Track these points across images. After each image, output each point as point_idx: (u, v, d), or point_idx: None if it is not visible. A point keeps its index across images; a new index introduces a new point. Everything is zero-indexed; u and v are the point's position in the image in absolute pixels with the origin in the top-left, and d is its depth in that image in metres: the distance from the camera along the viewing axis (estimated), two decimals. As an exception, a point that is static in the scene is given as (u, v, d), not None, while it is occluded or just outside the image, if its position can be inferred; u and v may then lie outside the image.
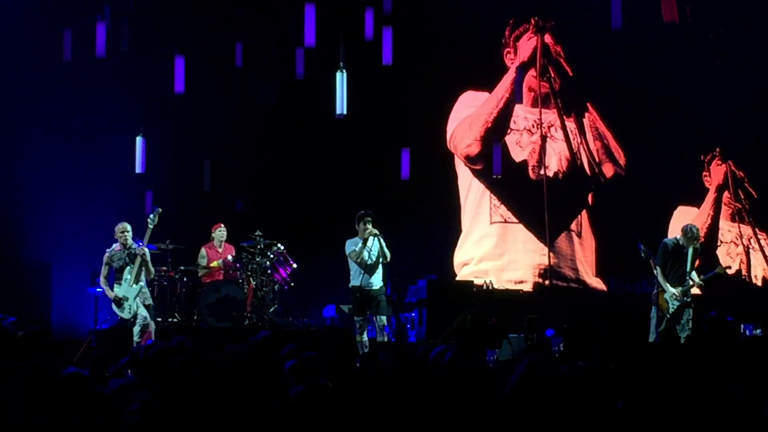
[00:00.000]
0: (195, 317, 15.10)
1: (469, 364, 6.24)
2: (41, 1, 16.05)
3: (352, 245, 13.74)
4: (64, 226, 15.77)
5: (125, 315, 13.21)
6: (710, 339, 7.14)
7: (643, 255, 14.46)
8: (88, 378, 6.18)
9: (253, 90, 17.34)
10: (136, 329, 13.11)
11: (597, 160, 21.65)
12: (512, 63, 21.35)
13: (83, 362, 11.06)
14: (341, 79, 13.52)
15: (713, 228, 21.45)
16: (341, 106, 13.55)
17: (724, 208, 21.66)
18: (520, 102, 20.22)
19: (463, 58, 19.93)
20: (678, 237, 14.24)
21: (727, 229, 21.66)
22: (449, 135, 20.48)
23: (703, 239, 16.42)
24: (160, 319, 14.97)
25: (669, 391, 5.18)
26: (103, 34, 14.34)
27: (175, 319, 15.11)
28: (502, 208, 20.78)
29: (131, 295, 13.21)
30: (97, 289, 14.93)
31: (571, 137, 21.57)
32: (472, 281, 16.69)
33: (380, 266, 13.75)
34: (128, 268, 13.24)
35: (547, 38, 21.58)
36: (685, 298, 13.96)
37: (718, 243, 21.53)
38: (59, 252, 15.73)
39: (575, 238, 20.86)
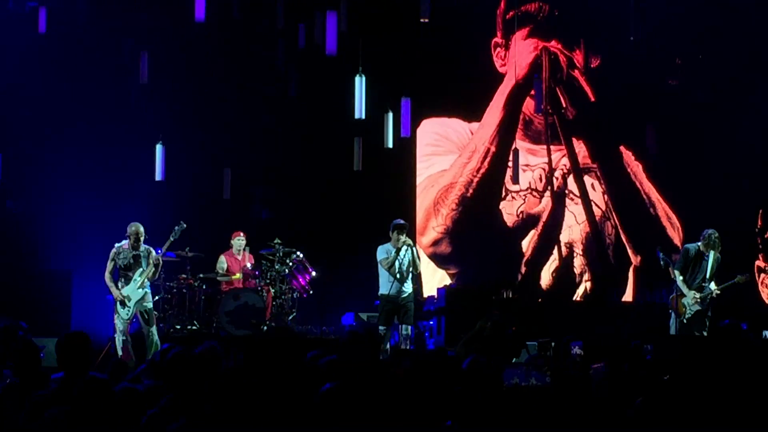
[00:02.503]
0: (214, 325, 15.10)
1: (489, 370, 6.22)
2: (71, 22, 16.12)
3: (383, 252, 13.72)
4: (84, 233, 15.79)
5: (125, 315, 13.28)
6: (724, 345, 7.11)
7: (662, 263, 14.38)
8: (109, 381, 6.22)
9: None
10: (120, 340, 13.17)
11: (634, 235, 17.47)
12: (504, 65, 17.61)
13: (102, 369, 11.07)
14: (360, 83, 13.44)
15: None
16: (359, 110, 13.48)
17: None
18: (540, 111, 16.36)
19: (422, 63, 16.36)
20: (699, 243, 14.18)
21: None
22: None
23: None
24: (179, 326, 15.01)
25: (684, 389, 5.19)
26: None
27: (194, 327, 15.11)
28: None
29: (135, 298, 13.32)
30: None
31: (592, 201, 17.70)
32: (491, 289, 16.59)
33: (410, 275, 13.75)
34: (139, 270, 13.33)
35: (555, 44, 17.85)
36: (703, 305, 13.91)
37: None
38: (79, 259, 15.76)
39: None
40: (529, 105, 17.35)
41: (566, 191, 17.75)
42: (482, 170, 17.19)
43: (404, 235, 13.59)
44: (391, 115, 15.20)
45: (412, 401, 5.30)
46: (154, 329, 13.36)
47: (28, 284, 15.48)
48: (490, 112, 17.36)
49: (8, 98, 15.89)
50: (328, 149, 17.23)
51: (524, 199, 17.53)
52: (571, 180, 17.83)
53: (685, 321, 13.86)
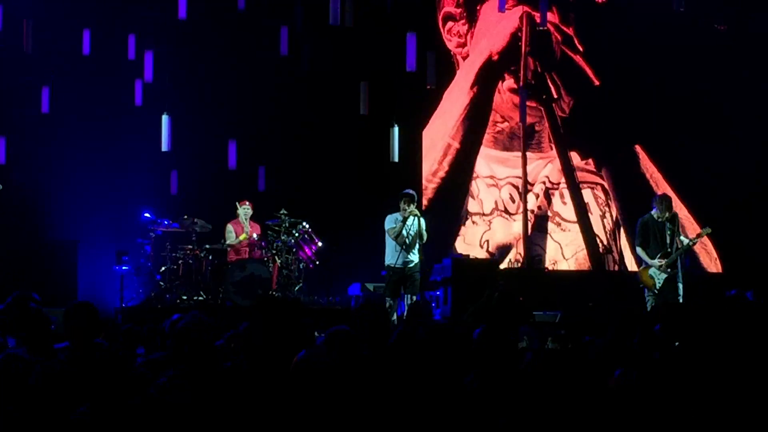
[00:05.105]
0: (220, 295, 15.10)
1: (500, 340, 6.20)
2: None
3: (391, 221, 13.80)
4: (90, 204, 15.79)
5: None
6: (730, 315, 7.10)
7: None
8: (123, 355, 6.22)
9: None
10: None
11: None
12: (462, 44, 16.36)
13: (109, 340, 11.06)
14: None
15: None
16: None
17: None
18: (524, 121, 14.76)
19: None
20: (652, 212, 13.81)
21: None
22: None
23: None
24: (185, 297, 15.00)
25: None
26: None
27: (200, 297, 15.12)
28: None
29: None
30: (123, 267, 14.98)
31: (592, 217, 16.70)
32: (497, 260, 16.56)
33: (417, 246, 13.79)
34: None
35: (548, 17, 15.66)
36: (669, 270, 13.50)
37: None
38: (85, 230, 15.75)
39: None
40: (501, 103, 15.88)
41: (549, 214, 16.77)
42: (441, 173, 16.32)
43: (412, 206, 13.66)
44: (396, 128, 15.19)
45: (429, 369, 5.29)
46: None
47: (33, 254, 15.47)
48: (450, 97, 15.93)
49: (13, 70, 15.83)
50: (334, 119, 17.17)
51: (489, 225, 16.86)
52: (557, 198, 16.56)
53: (656, 292, 13.54)
